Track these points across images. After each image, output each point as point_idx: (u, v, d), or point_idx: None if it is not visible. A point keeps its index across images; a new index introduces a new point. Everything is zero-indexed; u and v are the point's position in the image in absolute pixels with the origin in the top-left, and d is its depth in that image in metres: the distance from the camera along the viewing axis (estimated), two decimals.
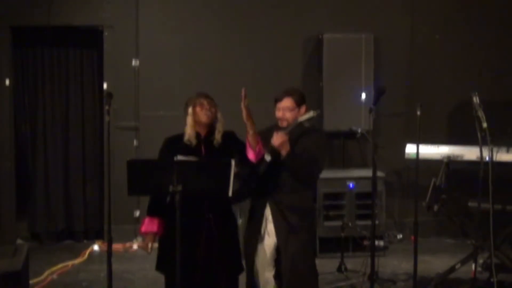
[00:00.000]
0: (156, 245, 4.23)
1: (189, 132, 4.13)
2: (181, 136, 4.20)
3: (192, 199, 3.93)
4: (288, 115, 4.35)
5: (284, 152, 4.16)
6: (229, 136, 4.22)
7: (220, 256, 4.06)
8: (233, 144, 4.18)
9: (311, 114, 4.26)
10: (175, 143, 4.17)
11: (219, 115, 4.17)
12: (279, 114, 4.38)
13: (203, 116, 4.11)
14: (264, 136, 4.35)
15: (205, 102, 4.13)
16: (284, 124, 4.35)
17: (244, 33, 7.32)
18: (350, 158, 7.31)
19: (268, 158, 4.19)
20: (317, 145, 4.36)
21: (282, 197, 4.31)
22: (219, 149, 4.12)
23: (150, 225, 4.12)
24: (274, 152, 4.19)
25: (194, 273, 3.98)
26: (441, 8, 7.51)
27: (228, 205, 4.21)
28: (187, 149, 4.07)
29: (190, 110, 4.15)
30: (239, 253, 4.28)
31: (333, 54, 7.09)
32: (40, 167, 7.29)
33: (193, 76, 7.19)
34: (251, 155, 4.08)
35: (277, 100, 4.40)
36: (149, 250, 4.16)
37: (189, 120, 4.14)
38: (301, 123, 4.40)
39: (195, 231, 4.00)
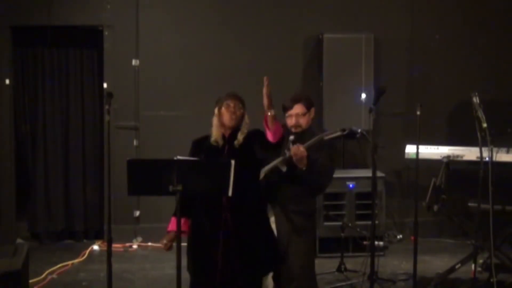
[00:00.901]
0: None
1: (214, 134, 4.13)
2: (205, 137, 4.19)
3: (209, 198, 3.94)
4: (302, 120, 4.34)
5: (301, 166, 4.12)
6: (254, 133, 4.16)
7: (240, 257, 4.02)
8: (256, 139, 4.11)
9: (338, 133, 4.14)
10: (201, 144, 4.17)
11: (246, 117, 4.15)
12: (291, 121, 4.35)
13: (227, 119, 4.09)
14: None
15: (231, 104, 4.11)
16: (298, 130, 4.33)
17: (244, 33, 7.32)
18: (350, 158, 7.30)
19: (283, 169, 4.15)
20: (329, 156, 4.31)
21: (288, 203, 4.30)
22: (240, 149, 4.09)
23: (175, 224, 4.12)
24: (290, 163, 4.14)
25: (214, 274, 3.97)
26: (441, 8, 7.50)
27: (255, 205, 4.16)
28: (211, 149, 4.08)
29: (216, 110, 4.15)
30: (265, 253, 4.22)
31: (333, 54, 7.09)
32: (40, 166, 7.28)
33: (193, 76, 7.20)
34: (269, 136, 4.04)
35: (287, 108, 4.37)
36: (165, 248, 4.16)
37: (215, 121, 4.14)
38: (311, 130, 4.39)
39: (212, 231, 3.99)
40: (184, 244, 4.14)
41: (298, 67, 7.36)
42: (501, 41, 7.51)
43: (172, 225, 4.12)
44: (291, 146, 4.21)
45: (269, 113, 3.98)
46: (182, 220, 4.05)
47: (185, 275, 4.14)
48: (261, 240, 4.15)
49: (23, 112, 7.35)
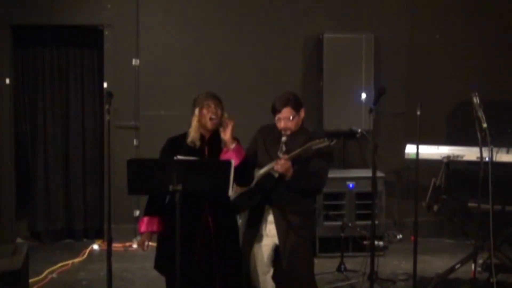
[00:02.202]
0: (152, 243, 4.22)
1: (192, 135, 4.08)
2: (183, 136, 4.15)
3: (191, 200, 3.92)
4: (290, 124, 4.30)
5: (289, 175, 4.14)
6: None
7: (217, 259, 4.03)
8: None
9: (326, 143, 4.10)
10: (178, 143, 4.12)
11: (225, 115, 4.12)
12: (280, 125, 4.31)
13: (208, 120, 4.06)
14: (267, 133, 4.37)
15: (212, 105, 4.07)
16: (288, 132, 4.32)
17: (244, 33, 7.32)
18: (350, 158, 7.31)
19: (275, 174, 4.18)
20: (322, 156, 4.29)
21: (285, 203, 4.30)
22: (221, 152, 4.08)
23: (150, 224, 4.11)
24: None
25: (190, 274, 3.97)
26: (441, 8, 7.50)
27: (230, 210, 4.18)
28: (189, 150, 4.04)
29: (196, 111, 4.10)
30: (238, 259, 4.23)
31: (334, 54, 7.09)
32: (40, 166, 7.29)
33: (193, 76, 7.19)
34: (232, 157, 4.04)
35: (276, 111, 4.33)
36: (146, 248, 4.16)
37: (194, 122, 4.09)
38: (303, 128, 4.39)
39: (192, 232, 3.99)
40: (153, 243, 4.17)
41: (298, 67, 7.36)
42: (501, 41, 7.51)
43: (149, 226, 4.11)
44: (283, 148, 4.25)
45: (232, 147, 3.99)
46: (156, 220, 4.07)
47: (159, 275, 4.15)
48: (235, 246, 4.17)
49: (23, 112, 7.36)
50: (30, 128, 7.34)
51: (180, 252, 3.69)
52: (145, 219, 4.13)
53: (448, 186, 5.57)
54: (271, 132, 4.40)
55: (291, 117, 4.29)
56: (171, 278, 3.99)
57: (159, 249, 4.19)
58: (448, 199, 5.53)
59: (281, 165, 4.09)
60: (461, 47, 7.50)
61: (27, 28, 7.18)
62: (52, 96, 7.32)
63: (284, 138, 4.29)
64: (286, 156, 4.12)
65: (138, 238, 7.13)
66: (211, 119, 4.05)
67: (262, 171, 4.20)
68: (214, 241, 4.03)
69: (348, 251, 6.43)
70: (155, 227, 4.11)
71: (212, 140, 4.11)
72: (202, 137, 4.11)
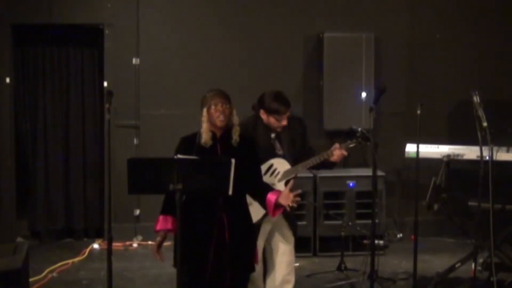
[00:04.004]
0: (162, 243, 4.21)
1: (204, 137, 4.05)
2: (195, 135, 4.13)
3: (206, 198, 3.93)
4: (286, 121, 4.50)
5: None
6: (249, 142, 4.14)
7: (232, 256, 4.03)
8: (250, 153, 4.12)
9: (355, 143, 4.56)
10: (191, 142, 4.11)
11: (234, 112, 4.11)
12: (282, 123, 4.46)
13: (217, 120, 4.03)
14: (250, 133, 4.40)
15: (219, 104, 4.05)
16: (279, 130, 4.48)
17: (244, 32, 7.32)
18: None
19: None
20: (306, 132, 4.65)
21: None
22: (237, 149, 4.06)
23: (163, 223, 4.10)
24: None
25: (205, 271, 3.97)
26: (441, 8, 7.51)
27: (245, 206, 4.18)
28: (202, 149, 4.03)
29: (204, 112, 4.08)
30: (252, 254, 4.24)
31: (334, 53, 7.09)
32: (40, 165, 7.29)
33: (193, 75, 7.20)
34: (271, 198, 4.06)
35: (280, 113, 4.44)
36: (159, 255, 4.14)
37: (204, 123, 4.07)
38: None
39: (206, 230, 3.99)
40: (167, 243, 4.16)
41: (298, 66, 7.37)
42: (501, 40, 7.52)
43: (162, 225, 4.09)
44: (277, 144, 4.46)
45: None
46: (171, 219, 4.05)
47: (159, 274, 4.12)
48: (249, 238, 4.17)
49: (23, 111, 7.35)
50: (30, 127, 7.33)
51: (181, 250, 3.70)
52: (160, 218, 4.12)
53: (448, 185, 5.58)
54: (254, 130, 4.45)
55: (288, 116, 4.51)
56: (185, 275, 4.01)
57: (176, 246, 4.18)
58: (448, 198, 5.54)
59: (338, 156, 4.42)
60: (461, 47, 7.50)
61: (27, 27, 7.18)
62: (53, 95, 7.32)
63: (273, 135, 4.48)
64: (341, 148, 4.43)
65: (139, 237, 7.19)
66: (220, 118, 4.03)
67: (310, 164, 4.47)
68: (228, 240, 4.01)
69: (348, 250, 6.43)
70: (169, 226, 4.09)
71: (224, 138, 4.09)
72: (213, 135, 4.09)
